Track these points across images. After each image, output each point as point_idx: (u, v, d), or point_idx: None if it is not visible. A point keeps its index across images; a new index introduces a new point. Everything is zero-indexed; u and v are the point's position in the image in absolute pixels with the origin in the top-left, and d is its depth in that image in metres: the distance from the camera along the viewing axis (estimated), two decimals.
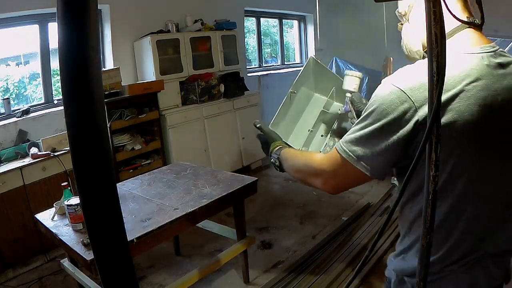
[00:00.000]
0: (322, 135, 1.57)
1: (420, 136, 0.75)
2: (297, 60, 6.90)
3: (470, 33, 0.83)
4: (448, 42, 0.80)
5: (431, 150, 0.52)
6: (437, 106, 0.50)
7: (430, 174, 0.52)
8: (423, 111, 0.74)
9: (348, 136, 0.85)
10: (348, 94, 1.38)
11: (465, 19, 0.83)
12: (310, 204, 3.80)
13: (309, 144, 1.58)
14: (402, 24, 0.98)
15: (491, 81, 0.77)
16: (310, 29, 6.77)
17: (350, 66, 6.05)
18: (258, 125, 1.28)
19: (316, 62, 1.57)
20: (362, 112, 0.84)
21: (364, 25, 5.36)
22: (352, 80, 1.38)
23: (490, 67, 0.78)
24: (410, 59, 0.97)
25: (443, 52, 0.48)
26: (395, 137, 0.77)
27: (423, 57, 0.92)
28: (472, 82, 0.76)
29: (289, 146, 1.23)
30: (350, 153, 0.83)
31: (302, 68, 1.54)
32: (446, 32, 0.79)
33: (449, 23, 0.80)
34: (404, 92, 0.76)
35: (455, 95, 0.75)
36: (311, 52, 6.82)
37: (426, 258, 0.56)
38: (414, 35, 0.94)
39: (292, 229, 3.32)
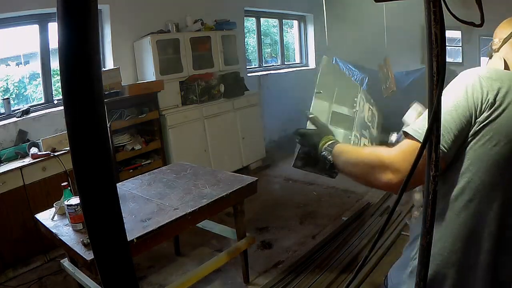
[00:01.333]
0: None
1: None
2: (297, 60, 6.90)
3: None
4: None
5: (431, 150, 0.52)
6: (437, 106, 0.50)
7: (430, 174, 0.52)
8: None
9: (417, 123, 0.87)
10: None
11: None
12: (310, 204, 3.80)
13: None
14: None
15: None
16: (310, 29, 6.77)
17: (350, 66, 6.05)
18: (311, 116, 1.20)
19: (329, 61, 1.57)
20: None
21: (364, 25, 5.36)
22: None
23: None
24: None
25: (443, 52, 0.48)
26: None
27: None
28: None
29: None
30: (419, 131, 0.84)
31: (320, 69, 1.54)
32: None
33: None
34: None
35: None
36: (311, 52, 6.82)
37: (426, 258, 0.56)
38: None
39: (292, 229, 3.32)
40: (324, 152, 1.09)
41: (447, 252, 0.88)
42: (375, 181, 0.90)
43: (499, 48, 1.03)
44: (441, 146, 0.81)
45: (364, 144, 1.44)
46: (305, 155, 1.29)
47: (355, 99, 1.53)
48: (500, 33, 1.04)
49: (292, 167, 1.41)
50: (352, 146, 1.11)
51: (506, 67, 0.99)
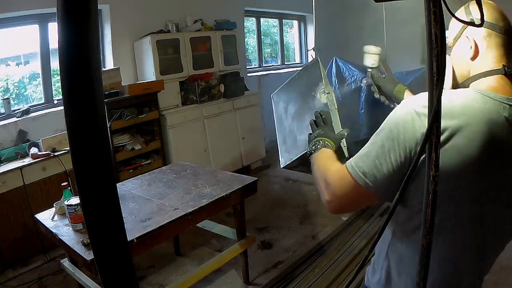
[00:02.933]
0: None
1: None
2: (297, 60, 6.90)
3: (502, 80, 0.81)
4: (477, 81, 0.83)
5: (431, 150, 0.52)
6: (437, 106, 0.50)
7: (430, 174, 0.52)
8: None
9: (356, 158, 0.84)
10: (369, 70, 1.48)
11: (500, 67, 0.82)
12: (310, 204, 3.80)
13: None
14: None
15: (504, 134, 0.75)
16: (310, 29, 6.77)
17: (350, 66, 6.04)
18: (326, 111, 1.20)
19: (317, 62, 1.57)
20: None
21: (364, 25, 5.36)
22: (369, 57, 1.48)
23: (508, 120, 0.75)
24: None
25: (443, 52, 0.48)
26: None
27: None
28: (485, 123, 0.73)
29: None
30: (360, 174, 0.81)
31: (320, 68, 1.55)
32: (479, 72, 0.83)
33: (488, 65, 0.82)
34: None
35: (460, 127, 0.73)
36: (311, 52, 6.82)
37: (426, 258, 0.56)
38: (449, 70, 0.91)
39: (292, 229, 3.32)
40: (311, 144, 1.08)
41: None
42: (321, 194, 0.91)
43: (451, 48, 0.91)
44: (369, 183, 0.80)
45: None
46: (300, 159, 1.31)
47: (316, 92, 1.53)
48: (451, 26, 0.91)
49: (281, 168, 1.42)
50: (329, 155, 1.02)
51: (454, 78, 0.90)
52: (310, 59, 6.87)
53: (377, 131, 0.82)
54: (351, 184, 0.82)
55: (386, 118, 0.81)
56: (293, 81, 1.58)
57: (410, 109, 0.77)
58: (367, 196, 0.83)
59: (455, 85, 0.91)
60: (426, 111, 0.71)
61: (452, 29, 0.90)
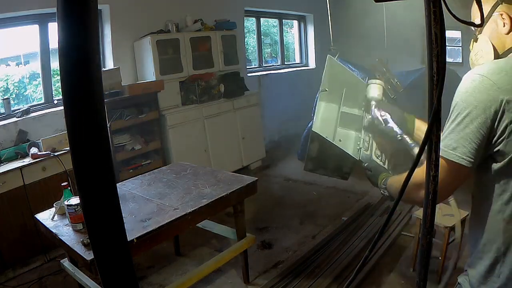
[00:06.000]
0: (340, 140, 1.55)
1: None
2: (297, 60, 6.90)
3: None
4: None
5: (431, 150, 0.52)
6: (437, 106, 0.50)
7: (430, 174, 0.52)
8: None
9: (444, 141, 0.91)
10: (373, 102, 1.45)
11: None
12: (310, 204, 3.80)
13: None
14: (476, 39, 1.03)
15: None
16: (310, 29, 6.77)
17: (350, 65, 6.04)
18: (366, 165, 1.37)
19: (333, 60, 1.57)
20: None
21: (364, 25, 5.36)
22: (375, 88, 1.47)
23: None
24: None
25: (443, 52, 0.48)
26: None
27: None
28: None
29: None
30: (445, 149, 0.88)
31: (325, 68, 1.56)
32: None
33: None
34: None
35: None
36: (311, 52, 6.82)
37: (426, 258, 0.56)
38: (489, 47, 0.98)
39: (292, 229, 3.32)
40: (381, 191, 1.27)
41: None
42: (418, 199, 0.98)
43: (482, 28, 1.00)
44: (463, 158, 0.87)
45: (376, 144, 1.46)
46: (316, 158, 1.34)
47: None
48: (474, 9, 1.00)
49: (304, 170, 1.44)
50: (398, 176, 1.21)
51: (495, 51, 0.98)
52: (311, 60, 6.88)
53: (451, 108, 0.90)
54: (444, 168, 0.89)
55: (455, 95, 0.90)
56: (323, 96, 1.56)
57: (474, 75, 0.87)
58: (463, 172, 0.90)
59: (498, 56, 0.97)
60: (490, 74, 0.84)
61: (477, 10, 0.95)
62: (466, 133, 0.86)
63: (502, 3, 0.93)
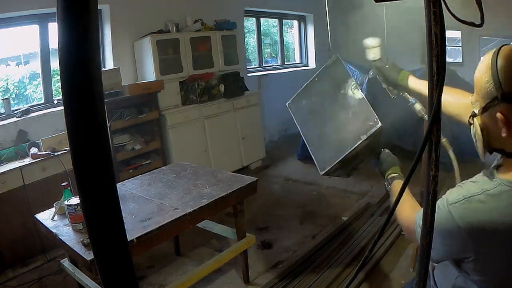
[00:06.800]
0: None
1: None
2: (297, 60, 6.90)
3: None
4: None
5: (431, 150, 0.52)
6: (437, 106, 0.50)
7: (430, 174, 0.52)
8: None
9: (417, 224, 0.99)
10: (372, 62, 1.51)
11: None
12: (310, 204, 3.80)
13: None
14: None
15: None
16: (310, 29, 6.77)
17: (350, 66, 6.04)
18: (383, 150, 1.41)
19: (338, 61, 1.57)
20: None
21: (364, 25, 5.36)
22: (370, 51, 1.52)
23: None
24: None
25: (443, 52, 0.48)
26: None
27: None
28: None
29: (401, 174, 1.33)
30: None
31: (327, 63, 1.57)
32: None
33: None
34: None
35: None
36: (311, 52, 6.82)
37: (426, 258, 0.56)
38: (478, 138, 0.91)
39: (292, 229, 3.31)
40: (386, 182, 1.33)
41: None
42: (408, 235, 1.11)
43: (479, 114, 0.89)
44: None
45: None
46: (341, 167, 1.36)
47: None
48: (481, 90, 0.86)
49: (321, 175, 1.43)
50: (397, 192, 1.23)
51: (488, 141, 0.88)
52: (311, 60, 6.87)
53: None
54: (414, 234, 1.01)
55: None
56: (313, 84, 1.56)
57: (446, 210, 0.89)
58: None
59: (491, 149, 0.90)
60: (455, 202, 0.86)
61: (480, 93, 0.87)
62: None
63: (500, 102, 0.81)
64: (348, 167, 1.44)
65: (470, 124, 0.91)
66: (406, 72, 1.41)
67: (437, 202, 0.84)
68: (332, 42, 5.02)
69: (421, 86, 1.35)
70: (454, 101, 1.15)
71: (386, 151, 1.40)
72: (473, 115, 0.90)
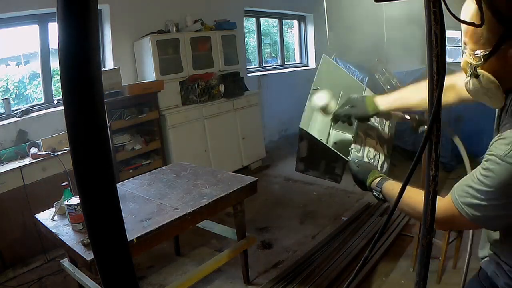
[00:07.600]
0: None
1: None
2: (297, 60, 6.90)
3: None
4: None
5: (431, 150, 0.52)
6: (437, 106, 0.50)
7: (430, 174, 0.52)
8: None
9: (467, 199, 0.86)
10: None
11: None
12: (310, 204, 3.80)
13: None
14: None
15: None
16: (310, 29, 6.77)
17: (350, 66, 6.05)
18: (354, 161, 1.27)
19: (329, 60, 1.56)
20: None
21: (364, 25, 5.36)
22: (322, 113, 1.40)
23: None
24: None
25: (443, 52, 0.48)
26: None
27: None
28: None
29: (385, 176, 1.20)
30: (468, 213, 0.85)
31: (318, 67, 1.55)
32: None
33: None
34: None
35: None
36: (311, 52, 6.82)
37: (426, 258, 0.56)
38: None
39: (292, 229, 3.32)
40: (374, 192, 1.17)
41: None
42: (441, 225, 0.97)
43: (485, 61, 0.82)
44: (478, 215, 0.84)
45: (369, 146, 1.43)
46: (306, 158, 1.30)
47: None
48: (479, 35, 0.81)
49: (295, 171, 1.41)
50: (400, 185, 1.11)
51: (506, 81, 0.83)
52: (311, 60, 6.87)
53: (488, 173, 0.81)
54: (455, 217, 0.89)
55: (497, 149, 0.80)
56: (314, 93, 1.53)
57: None
58: (470, 224, 0.88)
59: (510, 88, 0.86)
60: None
61: (480, 39, 0.82)
62: (492, 205, 0.82)
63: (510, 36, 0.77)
64: (320, 168, 1.44)
65: (476, 76, 0.84)
66: (369, 98, 1.31)
67: (481, 166, 0.82)
68: (332, 42, 5.03)
69: (394, 102, 1.27)
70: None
71: (354, 160, 1.27)
72: (475, 66, 0.84)
